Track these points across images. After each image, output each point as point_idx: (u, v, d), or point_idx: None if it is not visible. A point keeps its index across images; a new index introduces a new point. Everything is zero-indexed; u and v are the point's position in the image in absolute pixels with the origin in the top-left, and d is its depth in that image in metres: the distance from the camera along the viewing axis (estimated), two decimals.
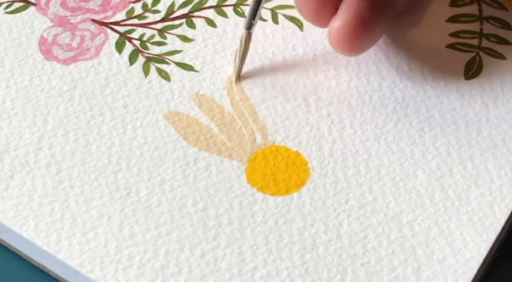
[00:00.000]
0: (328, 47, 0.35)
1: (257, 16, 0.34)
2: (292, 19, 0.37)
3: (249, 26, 0.34)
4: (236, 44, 0.35)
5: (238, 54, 0.34)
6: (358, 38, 0.32)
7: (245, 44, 0.34)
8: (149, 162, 0.32)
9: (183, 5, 0.37)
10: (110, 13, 0.37)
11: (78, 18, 0.37)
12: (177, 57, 0.35)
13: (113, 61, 0.35)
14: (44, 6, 0.37)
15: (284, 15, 0.37)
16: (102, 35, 0.36)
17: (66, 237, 0.30)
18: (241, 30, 0.36)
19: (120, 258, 0.29)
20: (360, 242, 0.30)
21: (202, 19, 0.37)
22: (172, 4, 0.37)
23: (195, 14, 0.37)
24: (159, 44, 0.36)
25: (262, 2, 0.33)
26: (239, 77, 0.35)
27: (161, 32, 0.36)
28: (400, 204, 0.31)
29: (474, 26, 0.37)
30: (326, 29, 0.33)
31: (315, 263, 0.30)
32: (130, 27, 0.36)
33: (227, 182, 0.32)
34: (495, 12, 0.37)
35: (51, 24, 0.36)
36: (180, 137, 0.33)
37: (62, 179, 0.31)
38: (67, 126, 0.33)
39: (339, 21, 0.32)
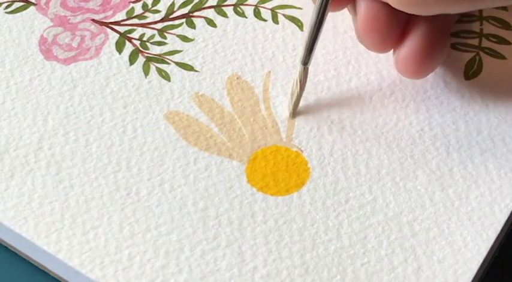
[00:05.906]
0: (328, 47, 0.35)
1: (314, 50, 0.32)
2: (292, 19, 0.37)
3: (306, 61, 0.33)
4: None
5: (294, 90, 0.33)
6: (425, 64, 0.33)
7: (302, 80, 0.33)
8: (149, 162, 0.32)
9: (183, 5, 0.37)
10: (110, 13, 0.37)
11: (78, 18, 0.37)
12: (177, 57, 0.35)
13: (112, 61, 0.35)
14: (44, 6, 0.37)
15: (284, 15, 0.37)
16: (102, 34, 0.36)
17: (66, 237, 0.30)
18: (240, 30, 0.36)
19: (120, 258, 0.29)
20: (360, 242, 0.30)
21: (202, 19, 0.37)
22: (172, 4, 0.37)
23: (195, 14, 0.37)
24: (159, 43, 0.36)
25: (319, 35, 0.32)
26: (294, 114, 0.33)
27: (161, 32, 0.36)
28: (400, 204, 0.31)
29: (474, 26, 0.37)
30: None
31: (315, 263, 0.30)
32: (130, 27, 0.36)
33: (227, 182, 0.32)
34: (495, 12, 0.37)
35: (51, 24, 0.36)
36: (180, 137, 0.33)
37: (62, 179, 0.31)
38: (67, 126, 0.33)
39: (406, 49, 0.32)
